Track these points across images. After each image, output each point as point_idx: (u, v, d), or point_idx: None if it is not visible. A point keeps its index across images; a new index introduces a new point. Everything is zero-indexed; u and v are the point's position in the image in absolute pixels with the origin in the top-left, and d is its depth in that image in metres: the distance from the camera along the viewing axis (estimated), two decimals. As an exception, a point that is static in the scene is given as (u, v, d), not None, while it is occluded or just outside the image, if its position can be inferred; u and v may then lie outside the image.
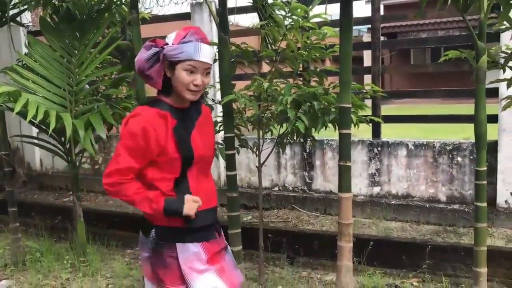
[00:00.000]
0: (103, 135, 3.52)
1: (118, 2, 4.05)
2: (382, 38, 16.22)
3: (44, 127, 3.82)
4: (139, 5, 6.82)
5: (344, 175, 2.93)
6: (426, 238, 4.29)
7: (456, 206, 4.72)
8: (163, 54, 1.85)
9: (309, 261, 4.03)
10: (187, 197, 1.91)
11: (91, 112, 3.72)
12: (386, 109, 16.22)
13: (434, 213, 4.81)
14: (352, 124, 3.38)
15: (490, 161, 4.68)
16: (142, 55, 1.89)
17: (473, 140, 4.80)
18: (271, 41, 3.74)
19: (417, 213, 4.91)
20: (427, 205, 4.87)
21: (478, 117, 2.51)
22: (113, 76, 4.13)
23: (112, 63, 4.51)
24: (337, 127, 3.18)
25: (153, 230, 1.95)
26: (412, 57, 19.46)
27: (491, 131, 4.67)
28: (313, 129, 3.26)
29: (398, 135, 5.74)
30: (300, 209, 5.46)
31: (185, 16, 5.97)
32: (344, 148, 2.91)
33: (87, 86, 4.10)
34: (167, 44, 1.86)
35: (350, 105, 2.87)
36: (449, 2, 2.26)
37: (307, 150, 5.51)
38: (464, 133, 7.70)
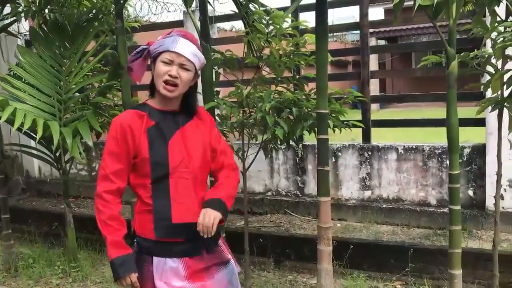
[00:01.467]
0: (90, 142, 3.58)
1: (106, 12, 4.13)
2: (383, 42, 16.23)
3: (33, 135, 3.89)
4: (134, 13, 6.92)
5: (323, 179, 2.98)
6: (415, 242, 4.31)
7: (446, 210, 4.72)
8: (147, 50, 1.92)
9: (296, 265, 4.07)
10: (128, 280, 1.86)
11: (79, 120, 3.78)
12: (387, 113, 16.19)
13: (425, 217, 4.83)
14: (347, 129, 3.44)
15: (479, 165, 4.71)
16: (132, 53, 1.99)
17: (462, 143, 4.85)
18: (255, 48, 3.80)
19: (407, 216, 4.93)
20: (418, 209, 4.89)
21: (449, 122, 2.54)
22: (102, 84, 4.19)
23: (102, 71, 4.58)
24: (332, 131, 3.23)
25: (136, 240, 1.95)
26: (413, 61, 19.47)
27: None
28: (296, 134, 3.30)
29: (408, 137, 5.75)
30: (292, 214, 5.49)
31: (178, 24, 6.05)
32: (322, 153, 2.96)
33: (77, 94, 4.17)
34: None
35: (327, 111, 2.92)
36: (415, 8, 2.30)
37: (300, 155, 5.55)
38: (463, 136, 7.72)
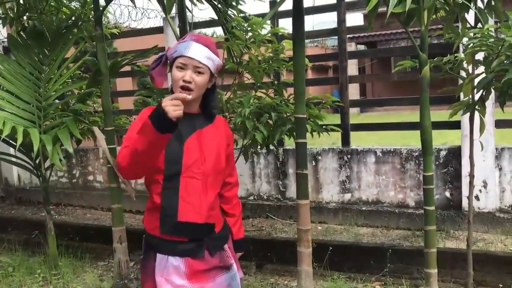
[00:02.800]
0: (70, 149, 3.58)
1: (86, 19, 4.13)
2: (362, 47, 16.42)
3: (13, 143, 3.87)
4: (114, 20, 6.92)
5: (301, 183, 3.04)
6: (395, 243, 4.39)
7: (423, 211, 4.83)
8: (166, 56, 1.95)
9: (277, 268, 4.11)
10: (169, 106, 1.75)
11: (59, 127, 3.78)
12: (367, 117, 16.39)
13: (403, 218, 4.93)
14: (328, 133, 3.50)
15: (455, 166, 4.83)
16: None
17: (438, 146, 4.97)
18: (235, 54, 3.85)
19: (387, 218, 5.03)
20: (397, 211, 4.99)
21: (423, 124, 2.61)
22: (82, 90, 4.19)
23: (82, 77, 4.58)
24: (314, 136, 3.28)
25: (144, 236, 2.00)
26: (392, 65, 19.77)
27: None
28: (275, 139, 3.35)
29: (389, 140, 5.88)
30: (274, 218, 5.55)
31: (158, 30, 6.07)
32: (300, 157, 3.01)
33: (57, 101, 4.16)
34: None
35: (305, 115, 2.98)
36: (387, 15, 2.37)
37: (281, 159, 5.61)
38: (444, 139, 7.89)
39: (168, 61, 1.96)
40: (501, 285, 3.55)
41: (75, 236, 5.20)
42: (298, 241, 3.04)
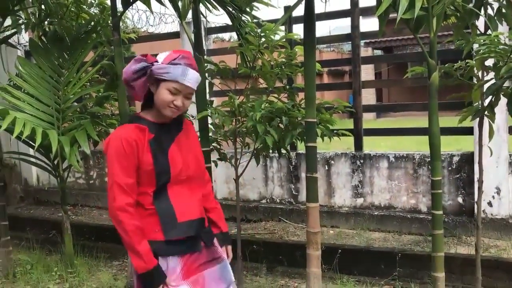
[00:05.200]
0: (87, 151, 3.69)
1: (104, 24, 4.25)
2: (379, 52, 16.38)
3: (32, 144, 4.00)
4: (132, 25, 7.05)
5: (311, 186, 3.09)
6: (406, 248, 4.40)
7: (436, 216, 4.82)
8: (150, 70, 1.94)
9: (288, 270, 4.16)
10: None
11: (77, 129, 3.89)
12: (383, 122, 16.31)
13: (415, 223, 4.93)
14: (343, 139, 3.54)
15: (468, 172, 4.82)
16: (131, 66, 1.97)
17: (451, 152, 4.97)
18: (248, 59, 3.92)
19: (399, 223, 5.03)
20: (409, 216, 4.99)
21: (431, 130, 2.64)
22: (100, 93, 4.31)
23: (99, 81, 4.71)
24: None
25: None
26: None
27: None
28: (286, 143, 3.41)
29: (402, 145, 5.88)
30: (286, 221, 5.59)
31: (175, 35, 6.18)
32: (310, 160, 3.07)
33: (75, 104, 4.28)
34: (157, 61, 1.96)
35: (315, 120, 3.03)
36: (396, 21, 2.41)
37: (293, 163, 5.65)
38: (458, 145, 7.83)
39: (153, 76, 1.93)
40: (509, 291, 3.53)
41: (91, 236, 5.31)
42: (307, 243, 3.09)
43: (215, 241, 2.17)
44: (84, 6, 4.48)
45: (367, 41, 16.81)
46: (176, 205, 1.99)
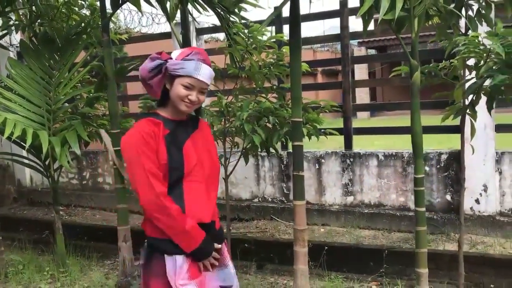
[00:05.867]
0: (78, 151, 3.73)
1: (94, 26, 4.29)
2: (373, 52, 16.39)
3: (24, 144, 4.03)
4: (125, 25, 7.08)
5: (298, 184, 3.14)
6: (394, 245, 4.46)
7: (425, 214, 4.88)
8: (165, 67, 1.98)
9: (277, 268, 4.22)
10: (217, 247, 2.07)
11: (67, 129, 3.93)
12: (377, 121, 16.31)
13: (405, 221, 4.99)
14: (336, 138, 3.59)
15: (456, 170, 4.88)
16: (147, 65, 2.01)
17: (440, 150, 5.03)
18: (237, 60, 3.97)
19: (388, 221, 5.09)
20: (398, 213, 5.05)
21: (413, 129, 2.70)
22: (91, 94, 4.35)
23: (90, 82, 4.74)
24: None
25: (146, 240, 2.06)
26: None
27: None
28: (273, 142, 3.46)
29: (396, 144, 5.94)
30: (278, 220, 5.64)
31: (167, 35, 6.21)
32: (297, 159, 3.12)
33: (66, 105, 4.32)
34: (171, 58, 2.00)
35: (301, 119, 3.08)
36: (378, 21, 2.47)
37: (285, 162, 5.70)
38: (450, 143, 7.87)
39: (168, 72, 1.98)
40: (492, 286, 3.59)
41: (83, 236, 5.36)
42: (294, 240, 3.14)
43: (223, 245, 2.17)
44: (75, 8, 4.51)
45: (361, 40, 16.87)
46: (188, 205, 2.00)
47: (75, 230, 5.48)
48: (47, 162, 4.24)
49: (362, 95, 17.45)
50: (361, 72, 17.45)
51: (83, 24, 4.33)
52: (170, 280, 1.98)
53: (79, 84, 4.62)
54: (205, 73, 1.97)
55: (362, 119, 16.78)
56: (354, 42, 17.52)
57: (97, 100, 4.21)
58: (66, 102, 4.28)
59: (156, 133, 1.96)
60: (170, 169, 1.97)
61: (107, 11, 3.79)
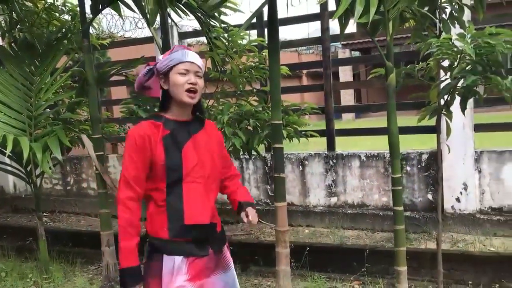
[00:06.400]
0: (59, 157, 3.72)
1: (75, 31, 4.28)
2: (357, 54, 16.48)
3: (4, 151, 4.01)
4: (108, 30, 7.08)
5: (279, 186, 3.18)
6: (377, 245, 4.52)
7: (407, 213, 4.95)
8: (156, 68, 2.06)
9: (261, 270, 4.24)
10: None
11: (49, 135, 3.92)
12: (362, 122, 16.47)
13: (388, 221, 5.04)
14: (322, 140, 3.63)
15: (437, 169, 4.95)
16: (140, 74, 2.12)
17: (420, 150, 5.11)
18: (218, 63, 4.00)
19: (371, 221, 5.15)
20: (381, 213, 5.12)
21: (390, 129, 2.75)
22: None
23: (72, 87, 4.73)
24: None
25: (148, 239, 2.08)
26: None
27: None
28: (254, 144, 3.49)
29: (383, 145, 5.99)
30: (263, 222, 5.66)
31: (149, 40, 6.22)
32: (277, 161, 3.15)
33: (48, 110, 4.30)
34: (158, 61, 2.08)
35: (281, 122, 3.11)
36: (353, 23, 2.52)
37: (269, 165, 5.74)
38: (433, 143, 7.97)
39: (161, 72, 2.05)
40: (470, 282, 3.66)
41: (68, 241, 5.32)
42: (276, 241, 3.17)
43: (225, 248, 2.19)
44: (56, 13, 4.50)
45: (345, 42, 17.01)
46: (187, 205, 2.01)
47: (59, 236, 5.44)
48: (28, 168, 4.22)
49: (347, 97, 17.58)
50: (345, 74, 17.57)
51: (63, 30, 4.33)
52: (166, 281, 1.98)
53: (61, 90, 4.61)
54: (193, 56, 2.03)
55: (347, 121, 16.90)
56: (338, 44, 17.66)
57: (78, 106, 4.20)
58: (47, 108, 4.26)
59: (153, 135, 1.99)
60: (168, 170, 1.98)
61: (87, 16, 3.80)
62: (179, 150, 2.01)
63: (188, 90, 2.00)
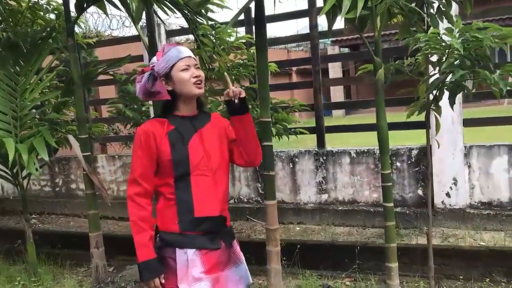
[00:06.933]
0: (46, 158, 3.66)
1: (60, 30, 4.22)
2: (347, 50, 16.47)
3: (-12, 153, 3.95)
4: (95, 29, 7.00)
5: (269, 184, 3.15)
6: (368, 241, 4.51)
7: (398, 209, 4.95)
8: (156, 72, 2.07)
9: (253, 268, 4.18)
10: (151, 284, 2.00)
11: (35, 136, 3.85)
12: (352, 119, 16.47)
13: (378, 217, 5.04)
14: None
15: (427, 165, 4.96)
16: (140, 82, 2.11)
17: (410, 145, 5.11)
18: (205, 61, 3.96)
19: (362, 217, 5.15)
20: (372, 209, 5.11)
21: (379, 124, 2.73)
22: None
23: (59, 87, 4.67)
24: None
25: (158, 235, 2.09)
26: (377, 67, 19.93)
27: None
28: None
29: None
30: (254, 220, 5.64)
31: (136, 38, 6.16)
32: (266, 159, 3.12)
33: (34, 111, 4.24)
34: (154, 65, 2.09)
35: (269, 119, 3.09)
36: (341, 18, 2.49)
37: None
38: (424, 139, 8.00)
39: (161, 74, 2.06)
40: (461, 277, 3.67)
41: (57, 243, 5.26)
42: (267, 240, 3.15)
43: (234, 242, 2.20)
44: (40, 12, 4.43)
45: (334, 39, 17.00)
46: (196, 198, 2.03)
47: (48, 238, 5.38)
48: (15, 170, 4.16)
49: (337, 94, 17.59)
50: (335, 71, 17.57)
51: (48, 29, 4.26)
52: (181, 274, 1.98)
53: (47, 90, 4.54)
54: (186, 51, 2.07)
55: (337, 118, 16.92)
56: (328, 41, 17.66)
57: (65, 106, 4.14)
58: (33, 108, 4.20)
59: (157, 132, 2.03)
60: (175, 164, 2.01)
61: (72, 15, 3.74)
62: (185, 144, 2.04)
63: (195, 83, 2.04)
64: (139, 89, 2.13)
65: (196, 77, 2.04)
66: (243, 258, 2.23)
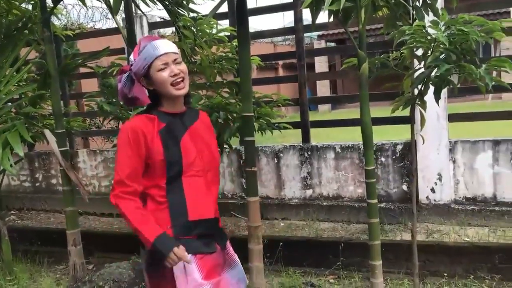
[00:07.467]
0: (21, 153, 3.53)
1: (36, 21, 4.08)
2: (333, 45, 16.47)
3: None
4: (76, 20, 6.83)
5: (251, 180, 3.08)
6: (352, 237, 4.47)
7: (382, 205, 4.92)
8: (133, 73, 1.95)
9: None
10: (181, 249, 1.87)
11: (10, 130, 3.72)
12: (338, 114, 16.49)
13: (363, 212, 5.00)
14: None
15: (411, 160, 4.93)
16: (119, 86, 2.01)
17: (395, 141, 5.07)
18: (187, 54, 3.86)
19: (347, 213, 5.11)
20: (356, 205, 5.08)
21: (363, 120, 2.68)
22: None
23: (36, 80, 4.52)
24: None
25: None
26: (363, 62, 19.93)
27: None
28: (224, 137, 3.38)
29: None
30: (238, 216, 5.57)
31: (119, 31, 6.01)
32: (249, 154, 3.05)
33: (9, 104, 4.09)
34: (132, 64, 1.97)
35: (251, 114, 3.01)
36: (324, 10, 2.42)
37: (243, 157, 5.63)
38: (407, 134, 7.99)
39: (140, 75, 1.95)
40: (445, 274, 3.64)
41: (35, 240, 5.13)
42: (249, 237, 3.09)
43: (228, 244, 2.14)
44: (16, 2, 4.27)
45: (320, 33, 16.95)
46: (189, 200, 1.94)
47: (26, 235, 5.25)
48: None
49: (323, 89, 17.55)
50: (321, 65, 17.51)
51: (24, 19, 4.11)
52: (180, 282, 1.90)
53: (24, 83, 4.40)
54: (163, 45, 1.93)
55: (323, 112, 16.90)
56: (314, 35, 17.60)
57: (41, 99, 4.01)
58: (8, 102, 4.05)
59: (147, 130, 1.91)
60: (168, 164, 1.92)
61: (48, 5, 3.61)
62: (177, 143, 1.95)
63: (174, 83, 1.91)
64: (119, 92, 2.04)
65: (175, 75, 1.91)
66: (237, 259, 2.17)
